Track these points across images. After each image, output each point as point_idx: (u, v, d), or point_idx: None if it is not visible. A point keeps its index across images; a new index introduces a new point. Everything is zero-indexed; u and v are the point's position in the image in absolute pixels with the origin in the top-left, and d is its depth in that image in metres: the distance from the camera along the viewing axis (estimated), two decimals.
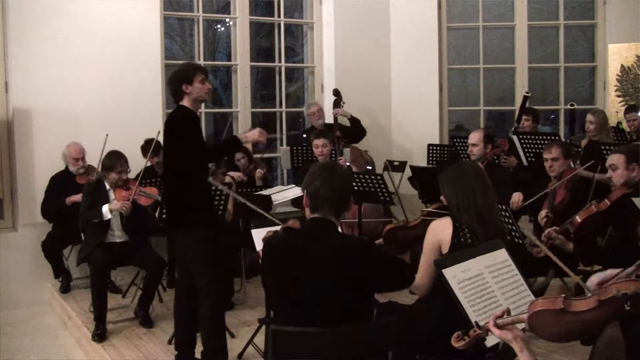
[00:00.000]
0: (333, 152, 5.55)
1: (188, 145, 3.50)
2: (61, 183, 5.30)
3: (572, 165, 4.45)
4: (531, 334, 1.84)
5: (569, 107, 5.93)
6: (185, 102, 3.58)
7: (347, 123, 6.21)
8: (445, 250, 2.72)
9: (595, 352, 1.79)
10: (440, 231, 2.75)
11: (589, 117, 5.76)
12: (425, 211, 3.16)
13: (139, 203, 4.68)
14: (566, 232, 3.81)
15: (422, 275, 2.77)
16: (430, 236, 2.78)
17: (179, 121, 3.58)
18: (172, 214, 3.68)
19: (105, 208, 4.53)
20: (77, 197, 4.98)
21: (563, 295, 1.76)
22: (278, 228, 2.76)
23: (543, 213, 4.06)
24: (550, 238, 3.71)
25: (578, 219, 3.74)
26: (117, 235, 4.67)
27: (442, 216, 2.84)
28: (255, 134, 3.76)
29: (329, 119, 6.31)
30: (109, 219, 4.58)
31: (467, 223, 2.72)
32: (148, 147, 5.20)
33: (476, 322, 1.96)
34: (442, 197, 2.95)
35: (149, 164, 5.19)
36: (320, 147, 5.41)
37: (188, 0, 6.76)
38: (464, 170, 2.91)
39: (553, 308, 1.74)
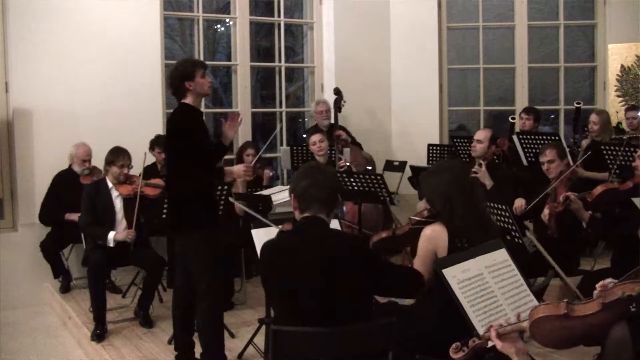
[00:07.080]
0: (332, 152, 5.53)
1: (192, 144, 3.46)
2: (65, 182, 5.30)
3: (570, 163, 4.43)
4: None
5: (575, 105, 5.85)
6: (188, 100, 3.53)
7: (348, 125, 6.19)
8: (442, 255, 2.69)
9: (604, 353, 1.76)
10: (436, 239, 2.72)
11: (593, 117, 5.64)
12: (414, 220, 3.17)
13: (145, 197, 4.69)
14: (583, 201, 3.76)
15: None
16: (425, 244, 2.76)
17: (183, 121, 3.53)
18: (175, 216, 3.64)
19: (110, 235, 4.52)
20: (75, 217, 4.98)
21: (565, 300, 1.72)
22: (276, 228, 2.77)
23: (546, 211, 3.96)
24: (568, 199, 3.64)
25: (598, 189, 3.74)
26: (120, 233, 4.65)
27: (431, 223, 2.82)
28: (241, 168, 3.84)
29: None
30: (114, 216, 4.61)
31: (459, 227, 2.69)
32: (155, 141, 5.20)
33: (476, 333, 1.93)
34: (422, 203, 2.92)
35: (153, 159, 5.17)
36: (317, 142, 5.38)
37: (188, 0, 6.75)
38: (449, 164, 2.94)
39: (556, 314, 1.69)
